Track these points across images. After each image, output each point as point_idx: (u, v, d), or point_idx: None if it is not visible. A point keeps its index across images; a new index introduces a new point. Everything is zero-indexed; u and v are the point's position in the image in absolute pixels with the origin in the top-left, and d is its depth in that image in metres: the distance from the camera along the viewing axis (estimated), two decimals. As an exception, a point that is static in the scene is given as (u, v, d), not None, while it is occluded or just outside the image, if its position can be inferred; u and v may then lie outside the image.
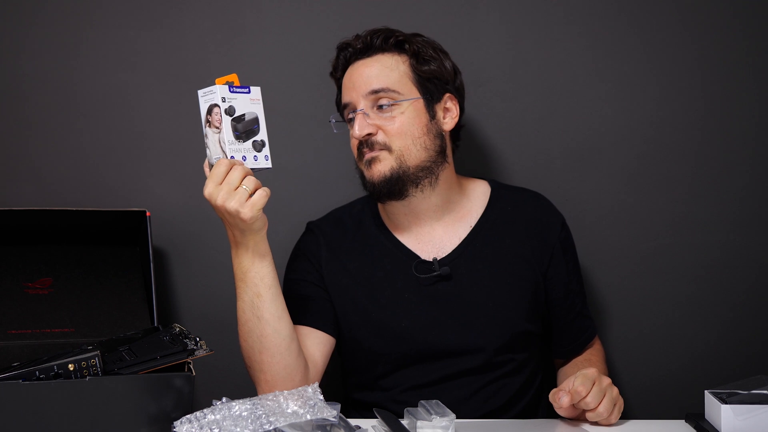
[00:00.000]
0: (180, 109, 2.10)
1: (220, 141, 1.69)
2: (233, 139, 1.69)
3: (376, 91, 1.87)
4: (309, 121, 2.12)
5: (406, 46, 1.90)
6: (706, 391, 1.71)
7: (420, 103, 1.89)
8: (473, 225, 1.96)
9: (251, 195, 1.68)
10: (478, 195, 1.99)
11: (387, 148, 1.87)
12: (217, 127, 1.69)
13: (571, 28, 2.15)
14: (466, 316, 1.90)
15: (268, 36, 2.14)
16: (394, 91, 1.88)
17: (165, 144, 2.14)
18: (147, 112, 2.14)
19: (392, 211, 1.95)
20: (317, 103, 2.08)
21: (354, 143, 1.91)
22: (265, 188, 1.69)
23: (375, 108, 1.88)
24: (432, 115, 1.91)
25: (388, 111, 1.87)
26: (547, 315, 1.98)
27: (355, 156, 1.92)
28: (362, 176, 1.93)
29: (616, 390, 1.73)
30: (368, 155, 1.88)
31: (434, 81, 1.91)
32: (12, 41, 2.11)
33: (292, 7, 2.14)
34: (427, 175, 1.90)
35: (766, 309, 2.19)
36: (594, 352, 2.02)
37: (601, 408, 1.70)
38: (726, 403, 1.63)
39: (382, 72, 1.88)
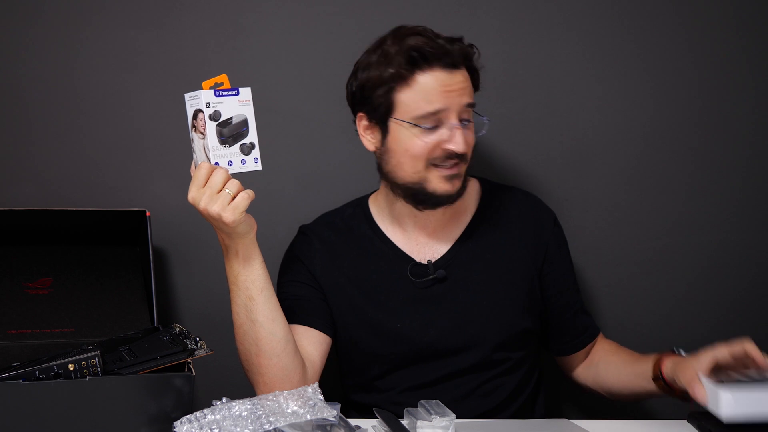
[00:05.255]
0: (180, 108, 2.08)
1: (205, 147, 1.66)
2: (218, 144, 1.66)
3: (471, 105, 1.85)
4: (308, 121, 2.12)
5: (471, 62, 1.88)
6: (702, 377, 1.66)
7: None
8: (466, 224, 1.96)
9: (234, 198, 1.66)
10: (469, 192, 1.98)
11: (467, 161, 1.87)
12: (202, 133, 1.67)
13: (571, 29, 2.15)
14: (462, 316, 1.90)
15: (268, 36, 2.14)
16: (475, 104, 1.87)
17: (165, 144, 2.13)
18: (147, 112, 2.14)
19: (403, 212, 1.94)
20: (317, 104, 2.08)
21: (427, 149, 1.82)
22: (249, 190, 1.67)
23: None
24: None
25: (470, 125, 1.86)
26: (544, 312, 1.98)
27: (422, 161, 1.83)
28: (416, 183, 1.85)
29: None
30: (453, 170, 1.84)
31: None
32: (12, 41, 2.11)
33: (291, 8, 2.14)
34: None
35: (766, 309, 2.20)
36: (618, 345, 2.00)
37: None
38: (724, 387, 1.59)
39: (469, 86, 1.86)
